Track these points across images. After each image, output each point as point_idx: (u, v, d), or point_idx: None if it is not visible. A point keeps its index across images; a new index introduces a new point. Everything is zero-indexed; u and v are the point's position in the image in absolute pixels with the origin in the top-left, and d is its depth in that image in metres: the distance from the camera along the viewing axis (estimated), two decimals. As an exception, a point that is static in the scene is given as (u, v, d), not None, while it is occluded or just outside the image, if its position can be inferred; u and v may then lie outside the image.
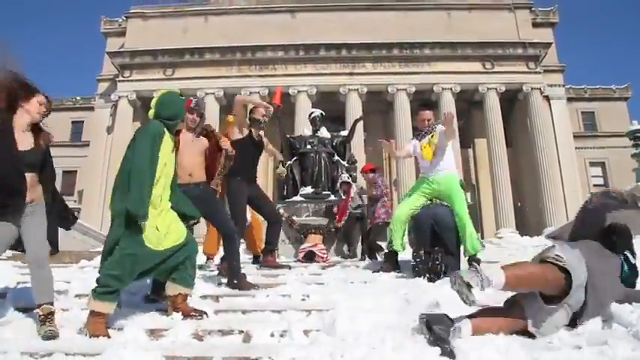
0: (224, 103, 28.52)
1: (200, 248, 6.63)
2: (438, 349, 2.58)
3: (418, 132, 5.56)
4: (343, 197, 8.48)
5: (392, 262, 5.35)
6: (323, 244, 7.72)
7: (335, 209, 8.33)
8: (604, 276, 2.91)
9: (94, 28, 41.85)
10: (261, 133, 5.86)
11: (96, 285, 3.20)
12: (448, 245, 4.90)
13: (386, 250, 5.58)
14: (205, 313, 3.58)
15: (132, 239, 3.25)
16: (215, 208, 4.66)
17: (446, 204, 5.14)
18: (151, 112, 3.73)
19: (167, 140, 3.62)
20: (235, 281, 4.48)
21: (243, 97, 5.93)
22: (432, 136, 5.24)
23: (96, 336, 3.06)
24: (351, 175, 8.87)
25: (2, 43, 27.29)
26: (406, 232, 5.36)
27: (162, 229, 3.41)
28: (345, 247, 8.37)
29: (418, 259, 4.86)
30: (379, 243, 7.85)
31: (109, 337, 3.09)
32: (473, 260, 4.83)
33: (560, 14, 31.80)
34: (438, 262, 4.68)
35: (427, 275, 4.68)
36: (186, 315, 3.50)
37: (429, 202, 5.24)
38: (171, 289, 3.55)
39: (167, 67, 28.84)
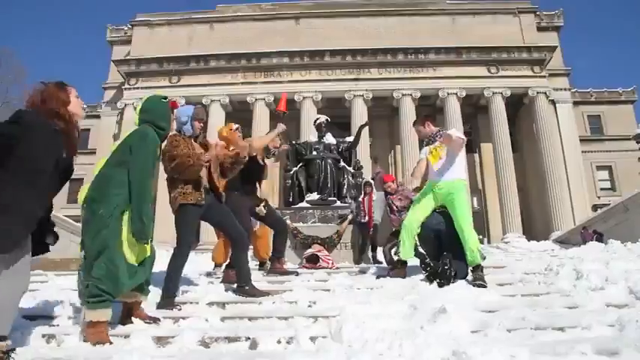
0: (229, 110, 28.65)
1: (209, 255, 6.72)
2: (444, 356, 2.57)
3: (423, 142, 5.61)
4: (362, 198, 8.60)
5: (400, 270, 5.32)
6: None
7: (361, 208, 8.44)
8: None
9: (100, 36, 42.16)
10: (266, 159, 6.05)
11: (87, 296, 3.16)
12: (456, 251, 4.91)
13: (395, 258, 5.55)
14: (159, 319, 3.64)
15: (116, 252, 3.21)
16: (225, 215, 4.67)
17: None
18: (139, 118, 3.62)
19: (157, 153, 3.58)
20: (247, 287, 4.48)
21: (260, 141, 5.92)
22: (439, 143, 5.23)
23: (100, 344, 3.06)
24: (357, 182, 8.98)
25: (7, 53, 27.64)
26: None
27: (138, 245, 3.37)
28: (368, 254, 8.48)
29: (429, 266, 4.87)
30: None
31: (110, 343, 3.09)
32: (476, 269, 4.79)
33: (565, 17, 31.82)
34: (447, 267, 4.69)
35: (437, 280, 4.69)
36: (143, 320, 3.57)
37: (438, 208, 5.21)
38: (131, 296, 3.53)
39: (173, 74, 28.99)
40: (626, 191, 24.25)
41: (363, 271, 6.09)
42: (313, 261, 7.32)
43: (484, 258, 4.86)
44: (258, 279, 5.26)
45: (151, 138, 3.46)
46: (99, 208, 3.23)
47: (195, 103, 28.38)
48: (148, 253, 3.48)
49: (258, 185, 6.03)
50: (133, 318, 3.57)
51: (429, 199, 5.17)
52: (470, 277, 4.86)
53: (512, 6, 29.87)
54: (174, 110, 3.87)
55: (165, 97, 3.77)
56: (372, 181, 8.82)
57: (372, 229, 8.50)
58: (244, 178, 5.59)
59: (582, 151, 29.58)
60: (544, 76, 28.42)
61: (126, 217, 3.27)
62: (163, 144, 3.85)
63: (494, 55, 28.22)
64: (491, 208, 28.21)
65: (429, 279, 4.79)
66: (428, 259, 4.95)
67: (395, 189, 8.00)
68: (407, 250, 5.20)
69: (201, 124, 4.46)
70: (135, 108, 3.80)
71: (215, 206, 4.48)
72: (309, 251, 7.55)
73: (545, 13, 31.70)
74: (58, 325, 3.66)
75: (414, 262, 5.43)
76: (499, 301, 4.09)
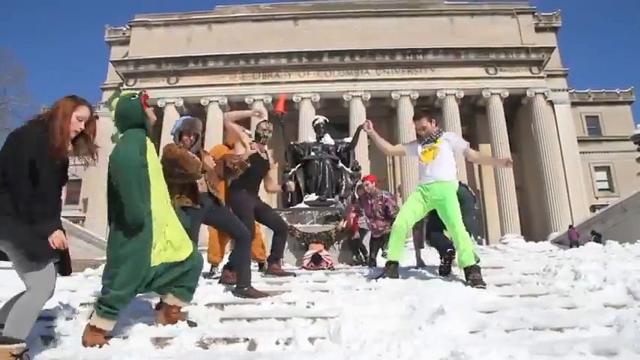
0: (228, 111, 28.63)
1: (204, 256, 6.68)
2: (443, 356, 2.58)
3: (421, 139, 5.46)
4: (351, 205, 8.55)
5: (393, 271, 5.30)
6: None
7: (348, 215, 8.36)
8: None
9: (98, 37, 42.13)
10: (266, 148, 5.91)
11: (101, 303, 3.14)
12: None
13: (386, 260, 5.54)
14: (195, 324, 3.59)
15: (141, 258, 3.17)
16: (228, 216, 4.77)
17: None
18: (121, 125, 3.55)
19: (151, 147, 3.48)
20: (245, 288, 4.48)
21: (229, 115, 5.71)
22: (436, 142, 5.16)
23: (95, 345, 3.06)
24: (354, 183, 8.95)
25: (5, 54, 27.62)
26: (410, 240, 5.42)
27: (162, 244, 3.32)
28: (353, 255, 8.37)
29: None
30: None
31: (108, 344, 3.10)
32: (473, 270, 4.78)
33: (563, 18, 31.90)
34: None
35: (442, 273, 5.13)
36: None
37: (430, 209, 5.22)
38: (170, 299, 3.51)
39: (171, 75, 28.99)
40: (624, 192, 24.30)
41: (361, 272, 6.08)
42: (316, 261, 7.29)
43: (478, 260, 4.86)
44: (257, 280, 5.25)
45: (133, 137, 3.43)
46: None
47: (194, 103, 28.48)
48: (183, 258, 3.40)
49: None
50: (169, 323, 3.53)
51: (419, 202, 5.10)
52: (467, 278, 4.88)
53: (510, 7, 29.97)
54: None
55: (134, 95, 3.63)
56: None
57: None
58: (249, 176, 5.53)
59: (580, 152, 29.66)
60: (542, 77, 28.50)
61: (153, 223, 3.25)
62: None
63: (492, 55, 28.28)
64: (490, 208, 28.24)
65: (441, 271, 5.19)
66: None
67: (372, 190, 7.63)
68: (394, 252, 5.21)
69: (192, 138, 4.45)
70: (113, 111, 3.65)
71: (215, 209, 4.58)
72: (310, 252, 7.52)
73: (543, 14, 31.80)
74: (56, 326, 3.66)
75: (409, 263, 5.48)
76: (497, 302, 4.09)
